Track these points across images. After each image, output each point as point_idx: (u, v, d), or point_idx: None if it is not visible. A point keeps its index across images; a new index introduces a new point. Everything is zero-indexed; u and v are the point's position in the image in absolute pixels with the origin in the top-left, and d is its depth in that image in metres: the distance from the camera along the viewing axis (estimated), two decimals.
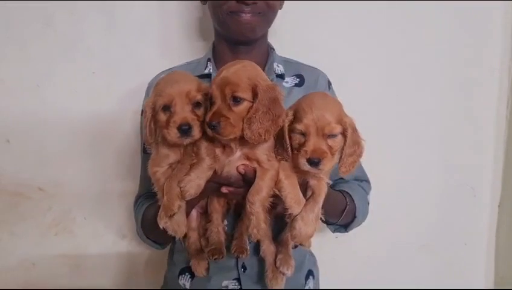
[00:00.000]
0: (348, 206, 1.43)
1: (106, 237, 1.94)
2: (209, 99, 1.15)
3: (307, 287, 1.51)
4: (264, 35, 1.54)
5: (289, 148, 1.12)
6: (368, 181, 1.63)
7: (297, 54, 1.64)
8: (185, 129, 1.14)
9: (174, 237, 1.45)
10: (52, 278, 1.91)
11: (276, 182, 1.16)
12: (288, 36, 1.81)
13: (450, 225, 2.08)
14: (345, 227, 1.54)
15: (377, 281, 2.05)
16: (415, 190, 2.04)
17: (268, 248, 1.33)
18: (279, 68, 1.52)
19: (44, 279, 1.91)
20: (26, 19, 1.78)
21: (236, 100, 1.10)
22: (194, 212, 1.35)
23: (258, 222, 1.15)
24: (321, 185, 1.19)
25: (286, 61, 1.57)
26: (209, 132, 1.11)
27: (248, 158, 1.17)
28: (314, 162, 1.08)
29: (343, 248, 2.01)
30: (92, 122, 1.85)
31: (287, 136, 1.12)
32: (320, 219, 1.50)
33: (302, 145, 1.11)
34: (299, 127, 1.11)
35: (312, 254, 1.63)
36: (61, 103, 1.83)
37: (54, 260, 1.91)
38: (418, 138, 2.01)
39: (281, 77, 1.52)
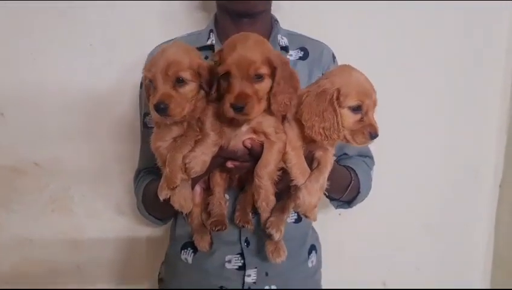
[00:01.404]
0: (352, 181, 1.41)
1: (105, 214, 1.90)
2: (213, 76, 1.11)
3: (309, 261, 1.50)
4: (268, 8, 1.50)
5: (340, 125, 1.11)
6: (371, 157, 1.61)
7: (302, 29, 1.60)
8: (160, 108, 1.08)
9: (175, 212, 1.44)
10: (49, 255, 1.88)
11: (283, 154, 1.14)
12: (293, 10, 1.77)
13: (451, 205, 2.08)
14: (349, 203, 1.52)
15: (378, 259, 2.05)
16: (417, 171, 2.03)
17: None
18: (284, 40, 1.49)
19: (41, 256, 1.88)
20: None
21: (259, 77, 1.07)
22: (197, 188, 1.32)
23: (267, 195, 1.13)
24: (327, 157, 1.18)
25: (290, 34, 1.53)
26: (230, 113, 1.07)
27: (255, 132, 1.15)
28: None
29: (346, 226, 2.00)
30: (91, 96, 1.80)
31: (338, 111, 1.10)
32: (324, 194, 1.50)
33: None
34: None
35: (314, 230, 1.62)
36: (59, 76, 1.78)
37: (51, 237, 1.87)
38: (421, 120, 2.00)
39: (285, 49, 1.48)
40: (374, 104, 1.14)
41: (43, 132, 1.82)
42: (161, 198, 1.14)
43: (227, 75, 1.08)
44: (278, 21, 1.54)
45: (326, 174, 1.17)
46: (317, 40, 1.56)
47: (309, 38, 1.56)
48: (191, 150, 1.12)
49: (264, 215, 1.28)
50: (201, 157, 1.11)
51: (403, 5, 1.88)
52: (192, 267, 1.43)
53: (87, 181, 1.87)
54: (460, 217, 2.10)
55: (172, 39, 1.48)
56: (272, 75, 1.09)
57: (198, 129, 1.16)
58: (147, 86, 1.17)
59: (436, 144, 2.03)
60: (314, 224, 1.61)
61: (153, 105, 1.08)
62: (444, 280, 2.09)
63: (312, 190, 1.14)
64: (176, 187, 1.13)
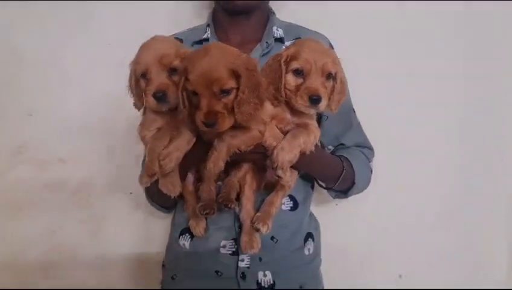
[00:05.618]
0: (344, 171, 1.41)
1: (123, 206, 2.00)
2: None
3: (306, 249, 1.50)
4: (265, 1, 1.53)
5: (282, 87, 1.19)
6: (370, 148, 1.60)
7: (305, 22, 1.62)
8: (159, 96, 1.16)
9: (175, 200, 1.50)
10: (75, 243, 1.99)
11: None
12: (295, 2, 1.80)
13: (470, 192, 2.00)
14: (345, 193, 1.52)
15: (394, 252, 2.01)
16: (435, 156, 1.97)
17: (248, 213, 1.33)
18: (279, 32, 1.51)
19: (67, 245, 1.99)
20: None
21: (226, 92, 1.10)
22: (190, 176, 1.37)
23: (217, 159, 1.16)
24: (307, 125, 1.23)
25: (287, 26, 1.56)
26: (203, 128, 1.10)
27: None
28: None
29: (358, 218, 1.97)
30: (110, 93, 1.87)
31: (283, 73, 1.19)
32: (317, 183, 1.51)
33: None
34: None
35: (314, 219, 1.62)
36: (80, 75, 1.90)
37: (75, 227, 1.99)
38: (440, 101, 1.94)
39: (280, 40, 1.51)
40: (323, 71, 1.18)
41: (67, 129, 1.94)
42: (142, 186, 1.22)
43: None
44: (274, 13, 1.57)
45: (306, 138, 1.20)
46: (314, 31, 1.56)
47: (306, 28, 1.57)
48: (165, 146, 1.19)
49: (244, 206, 1.34)
50: (175, 154, 1.18)
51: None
52: (189, 253, 1.47)
53: (106, 175, 1.98)
54: (479, 203, 2.01)
55: (173, 34, 1.54)
56: (238, 84, 1.10)
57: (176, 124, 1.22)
58: (137, 79, 1.23)
59: (455, 128, 1.98)
60: (319, 216, 1.63)
61: (152, 93, 1.17)
62: (463, 274, 2.01)
63: (286, 146, 1.16)
64: (154, 174, 1.19)
